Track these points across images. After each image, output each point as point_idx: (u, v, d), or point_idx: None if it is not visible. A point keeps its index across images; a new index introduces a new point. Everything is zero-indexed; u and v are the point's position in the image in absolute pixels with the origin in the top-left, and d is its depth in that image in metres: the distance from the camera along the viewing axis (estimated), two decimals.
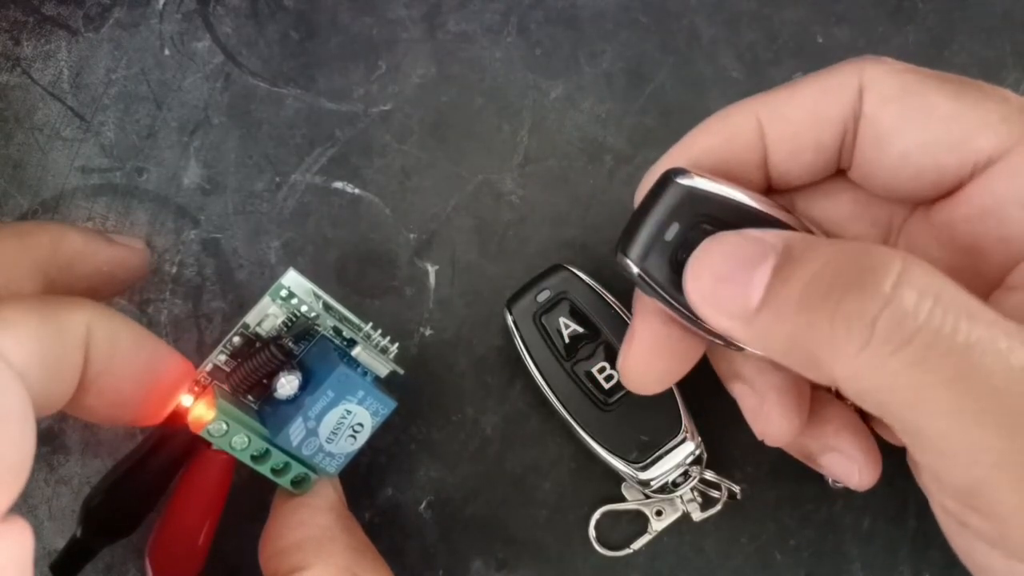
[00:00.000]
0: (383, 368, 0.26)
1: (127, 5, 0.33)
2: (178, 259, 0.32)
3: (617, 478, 0.30)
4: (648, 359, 0.26)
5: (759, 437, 0.27)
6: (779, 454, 0.31)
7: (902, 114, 0.23)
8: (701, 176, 0.23)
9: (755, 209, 0.23)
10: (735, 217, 0.23)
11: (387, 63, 0.33)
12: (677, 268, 0.23)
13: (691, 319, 0.23)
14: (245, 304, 0.32)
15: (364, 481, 0.31)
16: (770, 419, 0.26)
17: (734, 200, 0.23)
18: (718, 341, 0.24)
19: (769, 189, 0.26)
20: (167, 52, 0.33)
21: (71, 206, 0.32)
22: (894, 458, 0.31)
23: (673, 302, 0.23)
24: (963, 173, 0.23)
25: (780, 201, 0.27)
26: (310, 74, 0.33)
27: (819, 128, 0.24)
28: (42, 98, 0.33)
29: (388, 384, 0.27)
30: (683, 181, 0.23)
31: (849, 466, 0.27)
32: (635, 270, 0.23)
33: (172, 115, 0.33)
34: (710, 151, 0.25)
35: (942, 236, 0.24)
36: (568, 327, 0.29)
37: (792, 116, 0.24)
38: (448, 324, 0.32)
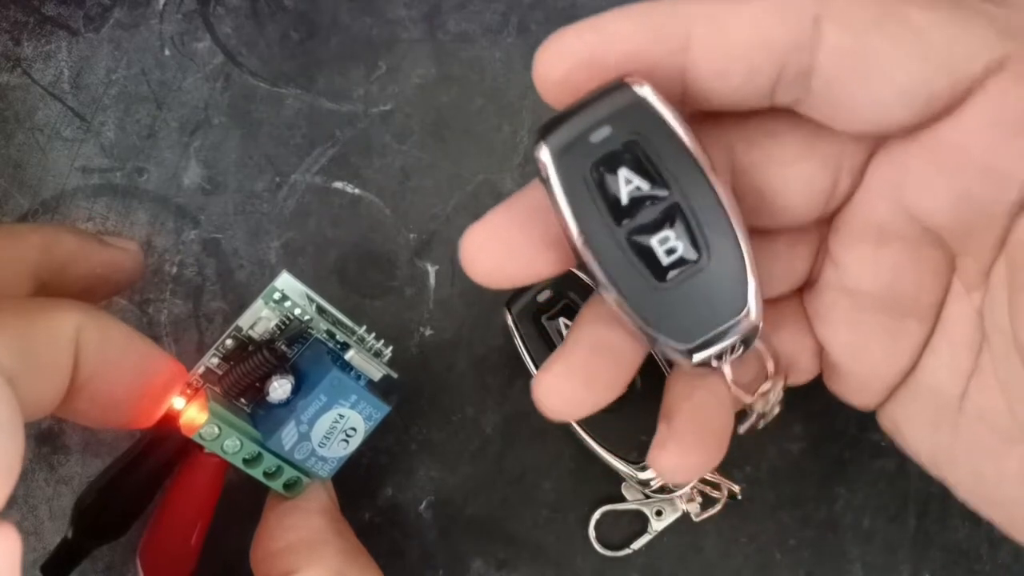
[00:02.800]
0: (376, 372, 0.26)
1: (127, 5, 0.33)
2: (178, 259, 0.32)
3: (617, 478, 0.30)
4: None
5: (534, 391, 0.22)
6: (779, 454, 0.31)
7: (886, 42, 0.21)
8: (655, 92, 0.21)
9: (688, 149, 0.21)
10: (665, 146, 0.21)
11: (387, 63, 0.33)
12: (593, 183, 0.20)
13: (587, 237, 0.21)
14: (245, 304, 0.31)
15: (364, 481, 0.31)
16: (551, 367, 0.22)
17: (673, 131, 0.21)
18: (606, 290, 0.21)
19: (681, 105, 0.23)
20: (167, 52, 0.33)
21: (71, 206, 0.32)
22: (894, 458, 0.31)
23: (570, 211, 0.20)
24: (957, 93, 0.21)
25: (721, 141, 0.23)
26: (310, 74, 0.33)
27: (759, 52, 0.21)
28: (42, 98, 0.33)
29: (388, 385, 0.27)
30: (637, 89, 0.20)
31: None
32: (547, 161, 0.20)
33: (172, 115, 0.33)
34: (631, 45, 0.21)
35: (947, 162, 0.22)
36: (568, 327, 0.29)
37: (731, 32, 0.21)
38: (448, 324, 0.32)
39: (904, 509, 0.31)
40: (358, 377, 0.26)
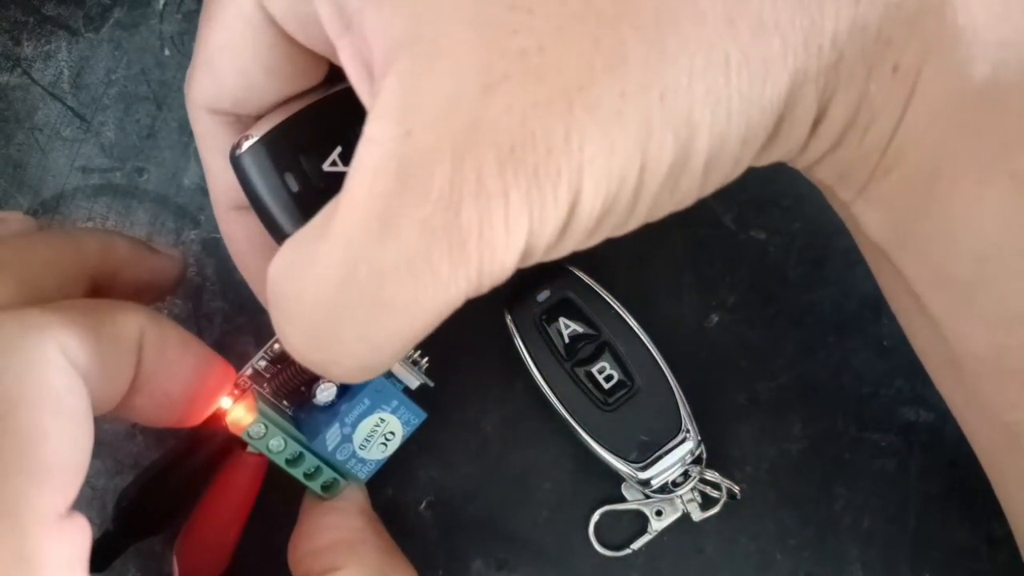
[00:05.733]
0: (415, 380, 0.27)
1: (127, 5, 0.33)
2: None
3: (617, 478, 0.30)
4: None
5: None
6: (779, 454, 0.31)
7: None
8: (254, 133, 0.21)
9: (292, 118, 0.22)
10: (311, 128, 0.22)
11: None
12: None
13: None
14: (245, 304, 0.32)
15: (365, 481, 0.31)
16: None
17: (288, 119, 0.22)
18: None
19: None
20: (167, 52, 0.33)
21: (71, 206, 0.32)
22: (894, 458, 0.31)
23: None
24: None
25: None
26: None
27: None
28: (42, 98, 0.33)
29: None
30: (245, 147, 0.21)
31: None
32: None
33: (172, 115, 0.33)
34: (235, 59, 0.21)
35: None
36: (568, 327, 0.29)
37: None
38: (448, 324, 0.32)
39: (904, 509, 0.31)
40: (396, 383, 0.27)
